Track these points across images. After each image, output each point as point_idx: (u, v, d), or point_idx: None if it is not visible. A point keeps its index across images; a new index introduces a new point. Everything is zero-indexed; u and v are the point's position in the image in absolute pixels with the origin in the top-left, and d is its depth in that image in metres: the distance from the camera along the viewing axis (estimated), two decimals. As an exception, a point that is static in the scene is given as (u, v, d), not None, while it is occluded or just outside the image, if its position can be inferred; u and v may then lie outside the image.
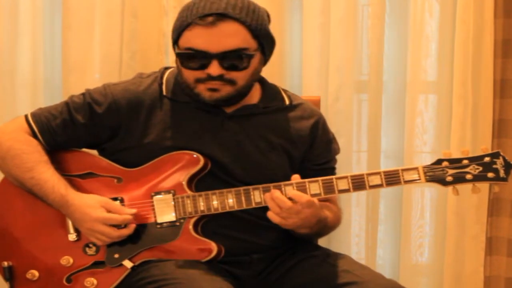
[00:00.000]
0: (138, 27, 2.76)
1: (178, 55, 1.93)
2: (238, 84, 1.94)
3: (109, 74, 2.73)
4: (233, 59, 1.91)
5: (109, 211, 1.92)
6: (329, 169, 2.11)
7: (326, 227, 2.00)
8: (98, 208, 1.92)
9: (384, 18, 2.79)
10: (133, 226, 1.92)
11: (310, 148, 2.08)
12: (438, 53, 2.83)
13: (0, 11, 2.74)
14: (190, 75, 1.93)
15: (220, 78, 1.91)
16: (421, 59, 2.82)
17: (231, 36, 1.90)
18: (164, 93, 2.01)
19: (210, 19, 1.88)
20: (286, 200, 1.85)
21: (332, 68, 2.77)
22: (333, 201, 2.11)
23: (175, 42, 1.95)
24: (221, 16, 1.88)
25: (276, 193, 1.86)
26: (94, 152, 2.07)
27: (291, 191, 1.87)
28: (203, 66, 1.90)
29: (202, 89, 1.93)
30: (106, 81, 2.09)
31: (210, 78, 1.91)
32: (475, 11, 2.72)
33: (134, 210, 1.93)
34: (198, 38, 1.89)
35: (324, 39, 2.77)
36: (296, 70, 2.84)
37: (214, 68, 1.89)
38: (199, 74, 1.92)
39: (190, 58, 1.91)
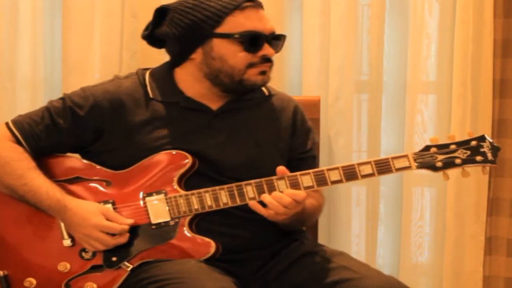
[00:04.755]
0: (138, 27, 2.75)
1: (241, 38, 1.92)
2: (272, 68, 2.01)
3: (109, 74, 2.70)
4: (277, 40, 1.99)
5: (108, 219, 1.92)
6: (311, 158, 2.12)
7: (304, 214, 1.99)
8: (99, 215, 1.92)
9: (384, 18, 2.79)
10: (127, 235, 1.92)
11: (292, 137, 2.10)
12: (438, 53, 2.82)
13: (0, 11, 2.74)
14: (244, 60, 1.94)
15: (270, 60, 1.97)
16: (421, 59, 2.81)
17: (269, 19, 1.99)
18: (151, 95, 2.01)
19: (250, 3, 1.95)
20: (278, 204, 1.87)
21: (332, 68, 2.77)
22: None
23: (209, 32, 1.94)
24: (255, 2, 1.96)
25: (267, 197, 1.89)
26: (77, 156, 2.06)
27: (287, 190, 1.88)
28: (258, 49, 1.94)
29: (253, 74, 1.96)
30: (107, 81, 2.09)
31: (264, 60, 1.95)
32: (474, 11, 2.72)
33: (131, 220, 1.93)
34: (253, 20, 1.94)
35: (324, 39, 2.77)
36: (296, 70, 2.84)
37: (269, 50, 1.96)
38: (253, 58, 1.95)
39: (250, 41, 1.93)
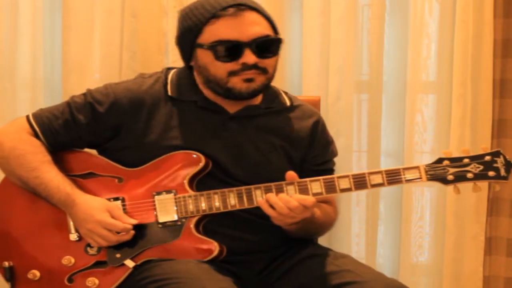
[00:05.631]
0: (138, 27, 2.76)
1: (211, 49, 1.92)
2: (269, 73, 1.98)
3: (109, 74, 2.73)
4: (264, 45, 1.94)
5: (113, 216, 1.92)
6: (327, 171, 2.10)
7: (313, 223, 1.98)
8: (104, 212, 1.92)
9: (384, 18, 2.79)
10: (132, 233, 1.92)
11: (309, 149, 2.09)
12: (438, 53, 2.83)
13: (0, 11, 2.74)
14: (222, 69, 1.93)
15: (255, 66, 1.93)
16: (421, 59, 2.82)
17: (256, 23, 1.94)
18: (170, 93, 2.01)
19: (231, 10, 1.92)
20: (283, 206, 1.86)
21: (332, 68, 2.77)
22: (331, 202, 2.11)
23: (193, 42, 1.95)
24: (241, 6, 1.93)
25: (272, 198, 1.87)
26: (94, 152, 2.07)
27: (295, 195, 1.87)
28: (237, 57, 1.91)
29: (237, 82, 1.94)
30: (106, 81, 2.09)
31: (246, 67, 1.92)
32: (474, 11, 2.72)
33: (135, 221, 1.93)
34: (227, 29, 1.91)
35: (324, 39, 2.77)
36: (296, 70, 2.84)
37: (250, 56, 1.91)
38: (233, 66, 1.92)
39: (223, 50, 1.91)
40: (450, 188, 1.90)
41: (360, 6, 2.83)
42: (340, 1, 2.75)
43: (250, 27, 1.93)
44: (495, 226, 2.86)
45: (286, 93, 2.15)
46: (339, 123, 2.78)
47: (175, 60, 2.72)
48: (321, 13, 2.77)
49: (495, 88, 2.79)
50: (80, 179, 2.00)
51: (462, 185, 1.89)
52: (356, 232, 2.91)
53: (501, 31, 2.76)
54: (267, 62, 1.95)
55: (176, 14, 2.71)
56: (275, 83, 2.16)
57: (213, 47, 1.91)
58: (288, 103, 2.11)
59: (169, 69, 2.09)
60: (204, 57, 1.95)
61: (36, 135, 2.00)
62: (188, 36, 1.96)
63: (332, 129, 2.74)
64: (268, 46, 1.95)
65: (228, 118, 2.01)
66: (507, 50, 2.77)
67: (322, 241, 2.28)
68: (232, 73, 1.93)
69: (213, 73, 1.95)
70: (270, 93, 2.08)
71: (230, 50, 1.91)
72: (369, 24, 2.80)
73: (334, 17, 2.75)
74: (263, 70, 1.95)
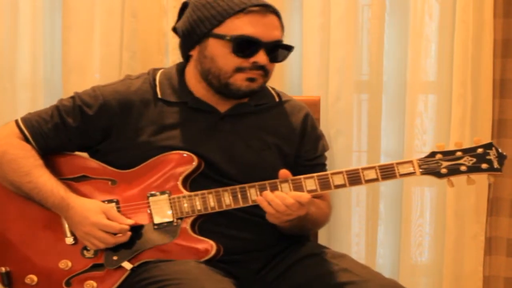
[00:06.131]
0: (138, 27, 2.76)
1: (232, 41, 1.91)
2: (268, 77, 1.99)
3: (109, 74, 2.72)
4: (277, 50, 1.96)
5: (108, 218, 1.92)
6: (319, 165, 2.12)
7: (307, 220, 1.98)
8: (99, 214, 1.92)
9: (384, 18, 2.78)
10: (129, 234, 1.92)
11: (300, 143, 2.10)
12: (437, 53, 2.82)
13: (0, 11, 2.74)
14: (232, 63, 1.93)
15: (262, 68, 1.94)
16: (421, 59, 2.81)
17: (276, 28, 1.97)
18: (159, 95, 2.02)
19: (260, 9, 1.93)
20: (280, 203, 1.86)
21: (332, 68, 2.77)
22: (324, 196, 2.12)
23: (209, 30, 1.94)
24: (267, 8, 1.95)
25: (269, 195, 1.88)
26: (85, 155, 2.07)
27: (290, 193, 1.88)
28: (251, 55, 1.92)
29: (240, 79, 1.94)
30: (106, 81, 2.09)
31: (255, 67, 1.93)
32: (474, 11, 2.72)
33: (132, 221, 1.93)
34: (253, 26, 1.92)
35: (324, 39, 2.77)
36: (296, 70, 2.84)
37: (262, 57, 1.93)
38: (243, 62, 1.93)
39: (242, 45, 1.92)
40: (450, 188, 1.89)
41: (360, 6, 2.83)
42: (340, 1, 2.74)
43: (272, 29, 1.95)
44: (495, 226, 2.86)
45: (273, 88, 2.16)
46: (339, 123, 2.78)
47: (175, 60, 2.73)
48: (321, 13, 2.76)
49: (495, 88, 2.79)
50: (73, 182, 2.00)
51: (458, 181, 1.89)
52: (356, 232, 2.91)
53: (501, 31, 2.76)
54: (272, 66, 1.97)
55: (176, 13, 2.73)
56: (275, 83, 2.17)
57: (235, 39, 1.91)
58: (276, 99, 2.12)
59: (155, 70, 2.08)
60: (217, 47, 1.94)
61: (26, 139, 2.00)
62: (204, 24, 1.95)
63: (332, 129, 2.76)
64: (280, 51, 1.97)
65: (220, 118, 2.01)
66: (507, 50, 2.77)
67: (322, 241, 2.29)
68: (239, 69, 1.93)
69: (220, 66, 1.94)
70: None
71: (249, 46, 1.92)
72: (369, 24, 2.79)
73: (334, 17, 2.75)
74: (266, 73, 1.96)
